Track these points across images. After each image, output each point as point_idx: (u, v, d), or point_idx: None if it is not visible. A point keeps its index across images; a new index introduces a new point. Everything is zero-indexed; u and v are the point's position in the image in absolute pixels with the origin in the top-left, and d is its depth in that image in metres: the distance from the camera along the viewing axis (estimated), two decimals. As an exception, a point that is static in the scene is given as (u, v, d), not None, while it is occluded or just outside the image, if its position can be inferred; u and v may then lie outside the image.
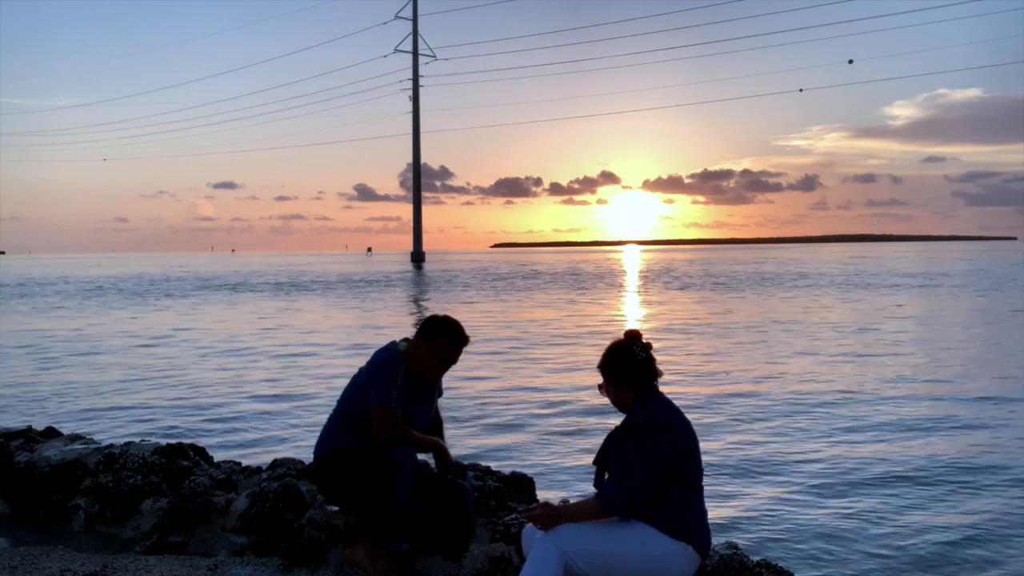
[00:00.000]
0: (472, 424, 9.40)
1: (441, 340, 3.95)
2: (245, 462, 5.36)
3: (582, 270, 68.13)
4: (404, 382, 3.93)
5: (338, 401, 4.11)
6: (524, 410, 10.09)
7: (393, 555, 3.80)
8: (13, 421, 8.97)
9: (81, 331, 21.09)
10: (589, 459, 3.53)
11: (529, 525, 3.44)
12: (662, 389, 3.43)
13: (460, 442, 8.23)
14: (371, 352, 4.13)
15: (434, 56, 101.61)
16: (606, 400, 3.46)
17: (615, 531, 3.18)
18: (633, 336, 3.45)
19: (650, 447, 3.18)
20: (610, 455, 3.38)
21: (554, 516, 3.22)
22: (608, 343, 3.50)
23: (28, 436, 5.53)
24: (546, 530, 3.20)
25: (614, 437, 3.41)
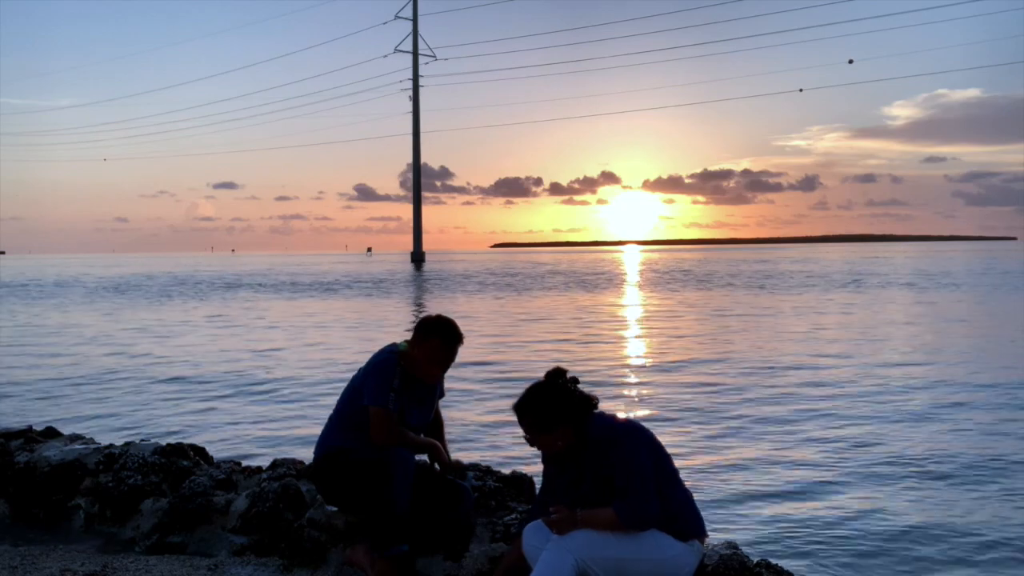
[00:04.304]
0: (473, 424, 9.41)
1: (434, 340, 3.95)
2: (245, 462, 5.36)
3: (605, 269, 68.04)
4: (401, 384, 3.93)
5: (337, 402, 4.11)
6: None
7: (391, 557, 3.80)
8: (13, 421, 8.96)
9: (86, 329, 21.09)
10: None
11: (529, 525, 3.44)
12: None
13: (460, 442, 8.24)
14: (372, 353, 4.13)
15: (434, 56, 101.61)
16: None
17: (628, 537, 3.20)
18: (557, 374, 3.38)
19: (631, 457, 3.19)
20: (567, 480, 3.36)
21: (570, 520, 3.22)
22: (525, 395, 3.35)
23: (28, 436, 5.53)
24: (561, 534, 3.21)
25: (564, 463, 3.38)
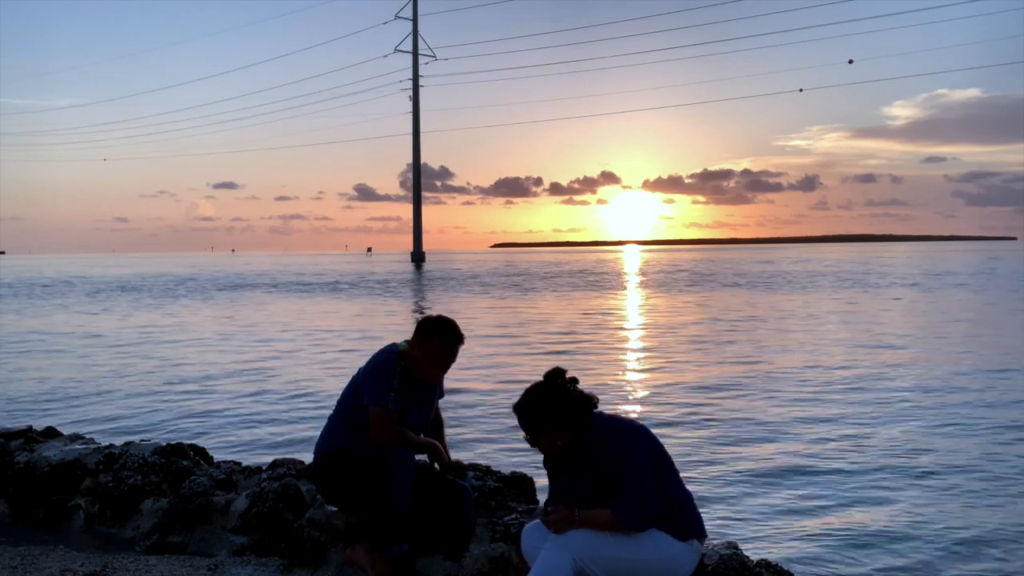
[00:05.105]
0: (473, 424, 9.41)
1: (435, 340, 3.94)
2: (245, 462, 5.36)
3: (608, 270, 67.98)
4: (401, 384, 3.93)
5: (337, 402, 4.11)
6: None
7: (391, 557, 3.79)
8: (13, 421, 8.96)
9: (87, 329, 21.09)
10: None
11: (529, 525, 3.43)
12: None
13: (461, 442, 8.23)
14: (371, 352, 4.13)
15: (434, 56, 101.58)
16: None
17: (626, 536, 3.19)
18: (557, 375, 3.36)
19: (628, 456, 3.18)
20: (565, 480, 3.37)
21: (567, 520, 3.21)
22: (524, 396, 3.33)
23: (28, 436, 5.53)
24: (559, 534, 3.20)
25: (561, 464, 3.39)
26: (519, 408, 3.34)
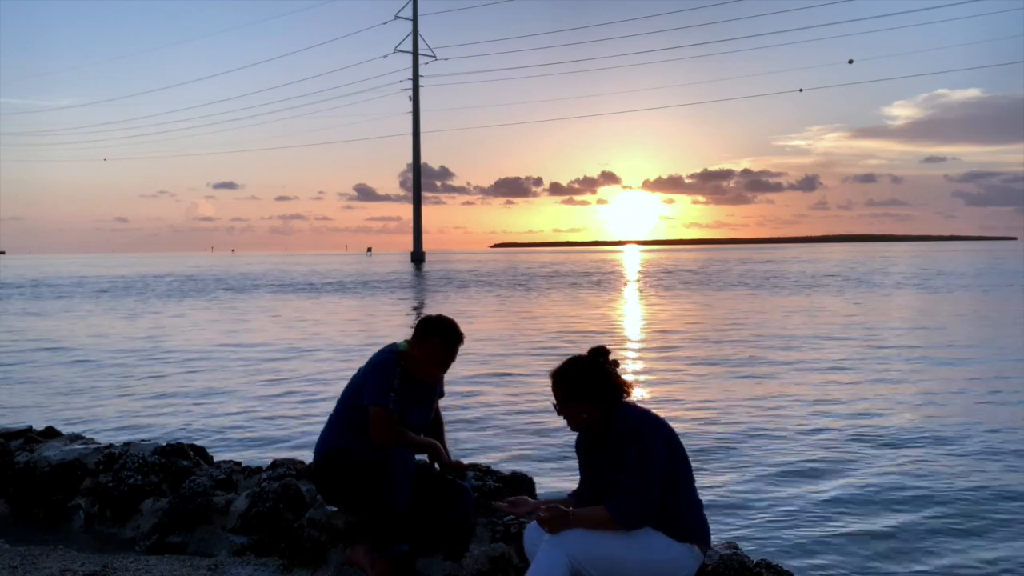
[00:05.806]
0: (473, 424, 9.40)
1: (434, 340, 3.95)
2: (245, 462, 5.36)
3: (611, 270, 67.97)
4: (401, 384, 3.93)
5: (337, 402, 4.11)
6: (525, 409, 10.09)
7: (391, 557, 3.79)
8: (13, 421, 8.96)
9: (91, 330, 21.10)
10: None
11: (531, 525, 3.43)
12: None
13: (461, 442, 8.22)
14: (372, 352, 4.13)
15: (434, 56, 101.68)
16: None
17: (623, 536, 3.17)
18: (600, 352, 3.40)
19: (644, 451, 3.17)
20: (593, 468, 3.38)
21: (562, 519, 3.19)
22: (564, 363, 3.40)
23: (28, 436, 5.53)
24: (553, 533, 3.18)
25: (590, 451, 3.41)
26: (555, 373, 3.41)
